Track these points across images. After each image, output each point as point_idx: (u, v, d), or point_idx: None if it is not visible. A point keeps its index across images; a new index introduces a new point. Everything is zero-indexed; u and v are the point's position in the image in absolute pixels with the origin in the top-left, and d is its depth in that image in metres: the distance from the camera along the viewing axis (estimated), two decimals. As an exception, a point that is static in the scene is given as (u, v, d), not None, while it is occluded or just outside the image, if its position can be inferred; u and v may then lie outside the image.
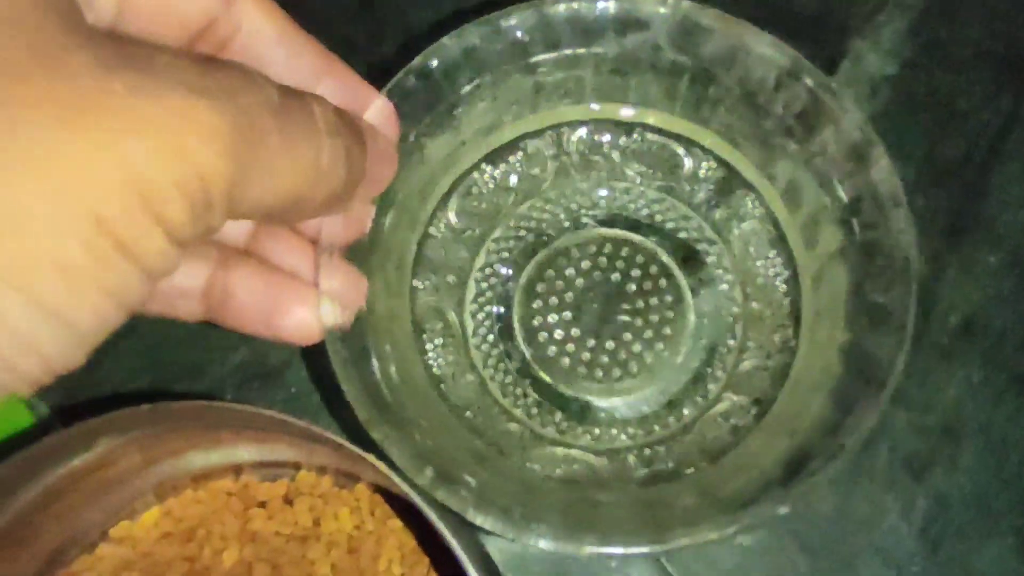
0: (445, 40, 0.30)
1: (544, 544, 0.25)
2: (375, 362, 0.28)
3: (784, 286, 0.32)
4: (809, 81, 0.29)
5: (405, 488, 0.23)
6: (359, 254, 0.29)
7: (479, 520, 0.25)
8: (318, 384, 0.33)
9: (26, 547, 0.26)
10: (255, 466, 0.29)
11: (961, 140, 0.36)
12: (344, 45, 0.37)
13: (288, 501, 0.29)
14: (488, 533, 0.26)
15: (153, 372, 0.34)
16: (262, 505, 0.29)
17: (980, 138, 0.36)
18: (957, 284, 0.35)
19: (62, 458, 0.25)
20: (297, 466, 0.29)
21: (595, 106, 0.33)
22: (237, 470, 0.29)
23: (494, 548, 0.31)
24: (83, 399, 0.33)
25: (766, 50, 0.30)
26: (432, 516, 0.23)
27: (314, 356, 0.34)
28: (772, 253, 0.33)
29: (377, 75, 0.29)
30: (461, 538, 0.23)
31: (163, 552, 0.28)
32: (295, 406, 0.33)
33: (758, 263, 0.33)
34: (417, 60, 0.30)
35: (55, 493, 0.26)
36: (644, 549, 0.25)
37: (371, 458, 0.23)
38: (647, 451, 0.31)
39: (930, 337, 0.34)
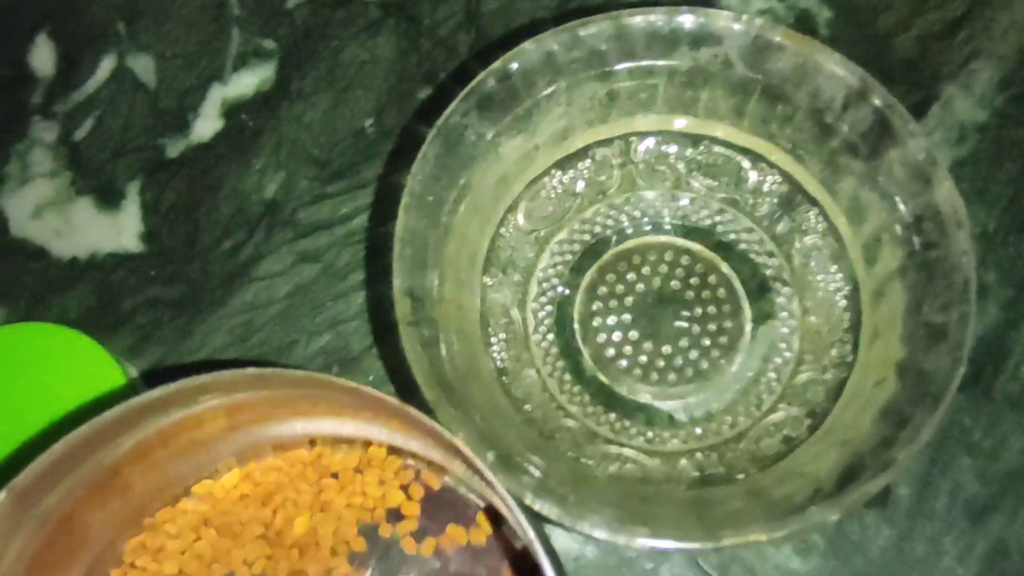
0: (526, 45, 0.31)
1: (598, 533, 0.26)
2: (443, 348, 0.29)
3: (844, 301, 0.33)
4: (877, 101, 0.30)
5: (488, 476, 0.24)
6: (435, 241, 0.30)
7: (537, 506, 0.26)
8: (392, 375, 0.35)
9: (117, 495, 0.28)
10: (329, 440, 0.30)
11: (1046, 192, 0.37)
12: (447, 49, 0.39)
13: (359, 471, 0.30)
14: (546, 521, 0.27)
15: (239, 348, 0.35)
16: (335, 476, 0.30)
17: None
18: (1033, 335, 0.35)
19: (159, 413, 0.26)
20: (367, 444, 0.30)
21: (665, 117, 0.34)
22: (312, 442, 0.30)
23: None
24: (171, 365, 0.35)
25: (835, 69, 0.31)
26: (511, 503, 0.24)
27: (389, 345, 0.35)
28: (833, 268, 0.33)
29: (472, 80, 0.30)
30: (536, 532, 0.24)
31: (240, 513, 0.30)
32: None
33: (819, 277, 0.34)
34: (498, 63, 0.31)
35: (147, 447, 0.27)
36: (695, 545, 0.26)
37: (458, 441, 0.24)
38: (699, 455, 0.32)
39: (1000, 386, 0.34)
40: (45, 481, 0.25)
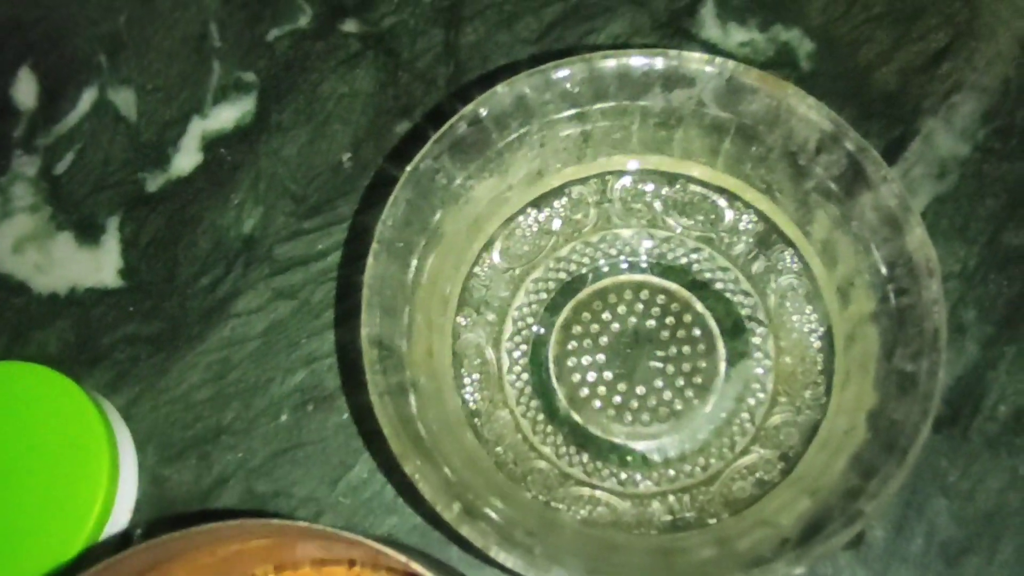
0: (498, 88, 0.31)
1: (562, 585, 0.26)
2: (412, 396, 0.29)
3: (818, 342, 0.33)
4: (850, 146, 0.30)
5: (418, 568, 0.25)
6: (406, 286, 0.30)
7: (501, 557, 0.26)
8: (361, 414, 0.35)
9: None
10: (369, 563, 0.30)
11: (1026, 229, 0.36)
12: (425, 83, 0.39)
13: None
14: (510, 573, 0.27)
15: (216, 385, 0.36)
16: None
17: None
18: (1011, 374, 0.34)
19: (211, 540, 0.28)
20: (406, 572, 0.30)
21: (640, 156, 0.34)
22: (352, 562, 0.31)
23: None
24: (147, 405, 0.35)
25: (808, 113, 0.30)
26: None
27: (359, 386, 0.35)
28: (808, 309, 0.33)
29: (450, 115, 0.31)
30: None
31: (272, 619, 0.30)
32: (347, 432, 0.35)
33: (794, 318, 0.34)
34: (469, 107, 0.31)
35: (196, 555, 0.29)
36: (658, 598, 0.26)
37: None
38: (671, 498, 0.32)
39: (978, 426, 0.34)
40: None
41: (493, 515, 0.28)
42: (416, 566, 0.25)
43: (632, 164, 0.34)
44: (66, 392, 0.33)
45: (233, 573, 0.31)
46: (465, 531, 0.27)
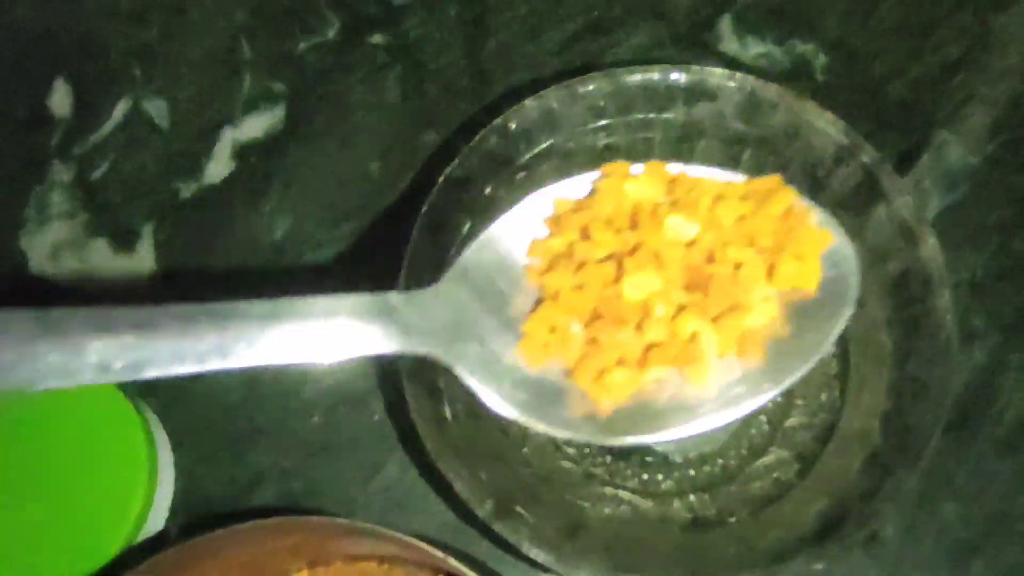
0: (527, 102, 0.33)
1: (590, 581, 0.27)
2: (445, 397, 0.30)
3: (833, 347, 0.34)
4: (865, 159, 0.31)
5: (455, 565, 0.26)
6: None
7: (533, 553, 0.28)
8: (395, 414, 0.36)
9: None
10: (398, 559, 0.31)
11: (1035, 238, 0.37)
12: (450, 94, 0.40)
13: None
14: (539, 567, 0.28)
15: (249, 387, 0.37)
16: None
17: (1054, 239, 0.37)
18: (1019, 380, 0.35)
19: (249, 539, 0.29)
20: (437, 570, 0.31)
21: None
22: (381, 559, 0.32)
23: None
24: (182, 407, 0.37)
25: (826, 127, 0.32)
26: None
27: (391, 387, 0.36)
28: (823, 315, 0.34)
29: (475, 125, 0.32)
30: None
31: (303, 615, 0.31)
32: (378, 432, 0.36)
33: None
34: (498, 120, 0.32)
35: (226, 551, 0.30)
36: (683, 593, 0.27)
37: (459, 565, 0.26)
38: (692, 497, 0.33)
39: (985, 429, 0.35)
40: None
41: (523, 513, 0.29)
42: (453, 561, 0.26)
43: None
44: (105, 394, 0.34)
45: (266, 571, 0.32)
46: (498, 528, 0.28)
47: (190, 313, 0.20)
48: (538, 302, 0.22)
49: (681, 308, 0.21)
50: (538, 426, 0.22)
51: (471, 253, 0.24)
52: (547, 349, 0.21)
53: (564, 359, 0.21)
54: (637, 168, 0.23)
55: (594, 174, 0.26)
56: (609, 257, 0.22)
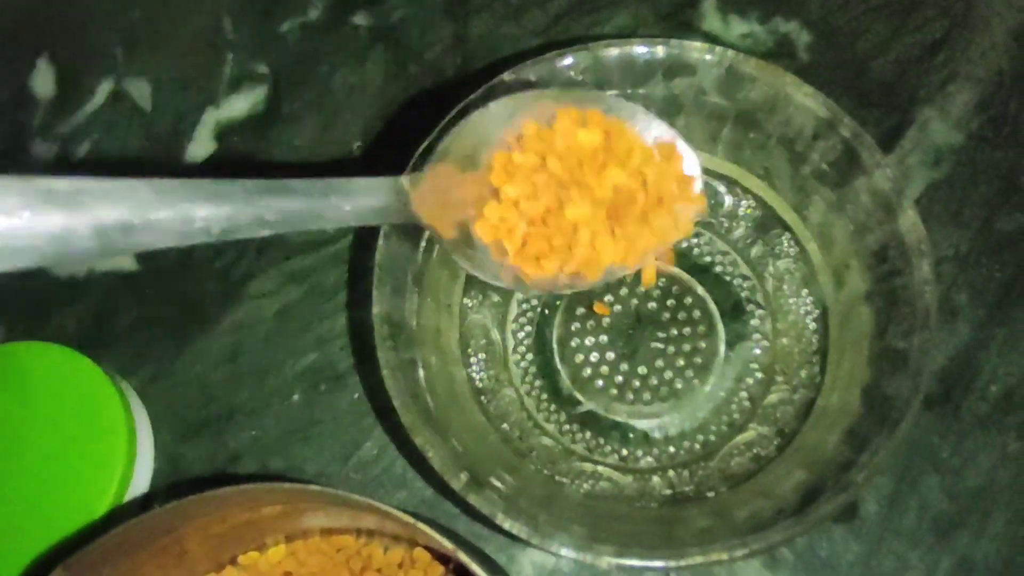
0: (504, 75, 0.32)
1: (566, 552, 0.27)
2: (421, 372, 0.30)
3: (813, 324, 0.34)
4: (845, 132, 0.31)
5: (465, 559, 0.25)
6: (415, 266, 0.31)
7: (507, 525, 0.27)
8: (372, 393, 0.36)
9: (174, 559, 0.30)
10: (375, 533, 0.32)
11: (1019, 215, 0.37)
12: (434, 74, 0.40)
13: (401, 568, 0.31)
14: (515, 539, 0.28)
15: (230, 366, 0.37)
16: (378, 571, 0.31)
17: (1039, 215, 0.37)
18: (1002, 355, 0.35)
19: (221, 504, 0.29)
20: (413, 543, 0.31)
21: (642, 143, 0.35)
22: (358, 532, 0.32)
23: (527, 561, 0.33)
24: (162, 385, 0.37)
25: (805, 100, 0.31)
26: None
27: (371, 365, 0.36)
28: (804, 292, 0.34)
29: (457, 104, 0.32)
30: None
31: (281, 589, 0.31)
32: (358, 411, 0.36)
33: (790, 300, 0.35)
34: (477, 93, 0.32)
35: (207, 524, 0.29)
36: (659, 563, 0.27)
37: (429, 530, 0.26)
38: (671, 473, 0.33)
39: (969, 404, 0.35)
40: (102, 556, 0.27)
41: (499, 485, 0.29)
42: (422, 526, 0.26)
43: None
44: (85, 371, 0.34)
45: (244, 541, 0.32)
46: (472, 500, 0.28)
47: (267, 186, 0.25)
48: (494, 193, 0.28)
49: (597, 232, 0.28)
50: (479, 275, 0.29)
51: (450, 139, 0.29)
52: (495, 231, 0.28)
53: (507, 242, 0.28)
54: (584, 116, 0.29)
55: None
56: (558, 183, 0.28)
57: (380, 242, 0.30)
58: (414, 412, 0.29)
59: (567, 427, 0.34)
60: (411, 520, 0.26)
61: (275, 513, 0.30)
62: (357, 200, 0.27)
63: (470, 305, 0.35)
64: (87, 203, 0.20)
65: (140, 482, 0.34)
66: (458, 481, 0.28)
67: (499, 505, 0.28)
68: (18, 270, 0.19)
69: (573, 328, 0.35)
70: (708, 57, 0.32)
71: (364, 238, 0.38)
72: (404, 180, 0.28)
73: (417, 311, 0.31)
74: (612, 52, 0.32)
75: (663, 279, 0.35)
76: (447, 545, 0.26)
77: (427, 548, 0.31)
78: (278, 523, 0.31)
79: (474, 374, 0.34)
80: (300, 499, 0.29)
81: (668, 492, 0.32)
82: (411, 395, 0.29)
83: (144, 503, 0.35)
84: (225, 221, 0.23)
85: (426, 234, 0.32)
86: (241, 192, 0.24)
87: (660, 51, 0.32)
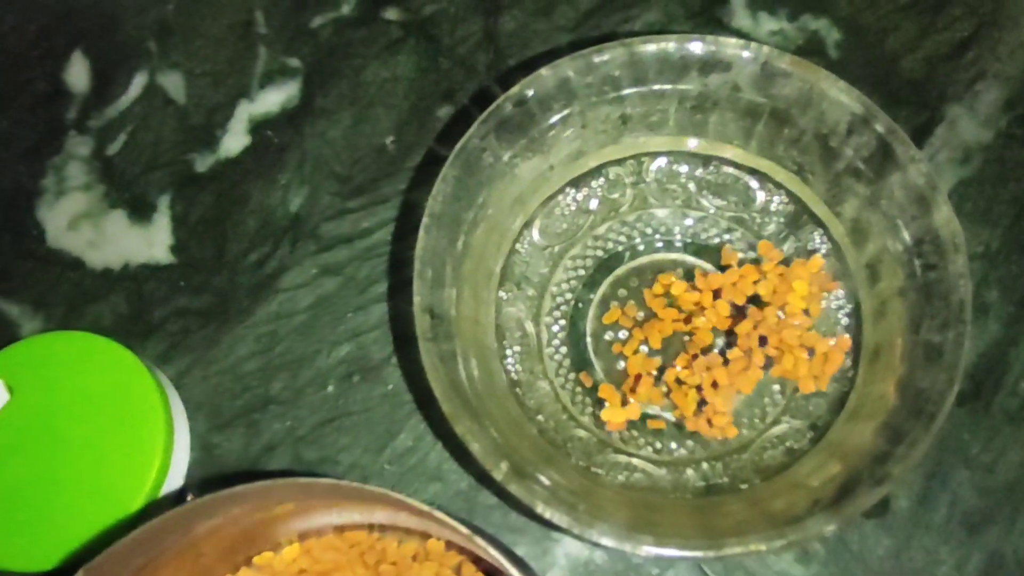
0: (542, 71, 0.33)
1: (606, 541, 0.27)
2: (460, 363, 0.31)
3: (846, 319, 0.34)
4: (879, 128, 0.31)
5: (481, 543, 0.26)
6: (454, 259, 0.32)
7: (548, 514, 0.28)
8: (410, 383, 0.36)
9: (191, 562, 0.30)
10: (388, 528, 0.32)
11: (1048, 213, 0.37)
12: (465, 69, 0.40)
13: (415, 560, 0.31)
14: (556, 529, 0.28)
15: (264, 357, 0.37)
16: (393, 564, 0.31)
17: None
18: (1033, 353, 0.36)
19: (234, 504, 0.29)
20: (426, 535, 0.31)
21: (676, 138, 0.35)
22: (371, 527, 0.32)
23: (560, 553, 0.34)
24: (197, 376, 0.37)
25: (840, 96, 0.32)
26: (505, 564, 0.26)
27: (408, 356, 0.36)
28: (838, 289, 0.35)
29: (490, 99, 0.32)
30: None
31: (296, 587, 0.32)
32: (392, 402, 0.36)
33: (823, 294, 0.35)
34: (515, 88, 0.33)
35: (220, 526, 0.30)
36: (698, 553, 0.27)
37: (445, 517, 0.26)
38: (705, 465, 0.33)
39: (1000, 401, 0.35)
40: (122, 561, 0.28)
41: (538, 476, 0.29)
42: (437, 513, 0.26)
43: (668, 145, 0.36)
44: (123, 360, 0.34)
45: (258, 542, 0.32)
46: (513, 489, 0.28)
47: None
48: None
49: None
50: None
51: None
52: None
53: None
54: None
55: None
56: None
57: (421, 233, 0.31)
58: (455, 402, 0.29)
59: (600, 420, 0.34)
60: (426, 508, 0.26)
61: (287, 512, 0.31)
62: None
63: (505, 298, 0.35)
64: None
65: (177, 472, 0.35)
66: (499, 471, 0.28)
67: (540, 495, 0.28)
68: None
69: (607, 322, 0.35)
70: (744, 54, 0.32)
71: (400, 230, 0.38)
72: None
73: (456, 303, 0.32)
74: (648, 48, 0.33)
75: (696, 273, 0.36)
76: (462, 530, 0.26)
77: (440, 539, 0.31)
78: (291, 523, 0.31)
79: (509, 367, 0.34)
80: (312, 495, 0.29)
81: (702, 484, 0.33)
82: (452, 386, 0.30)
83: (178, 497, 0.35)
84: None
85: (465, 226, 0.32)
86: None
87: (696, 47, 0.33)
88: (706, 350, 0.34)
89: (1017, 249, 0.37)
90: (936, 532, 0.34)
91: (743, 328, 0.34)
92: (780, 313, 0.34)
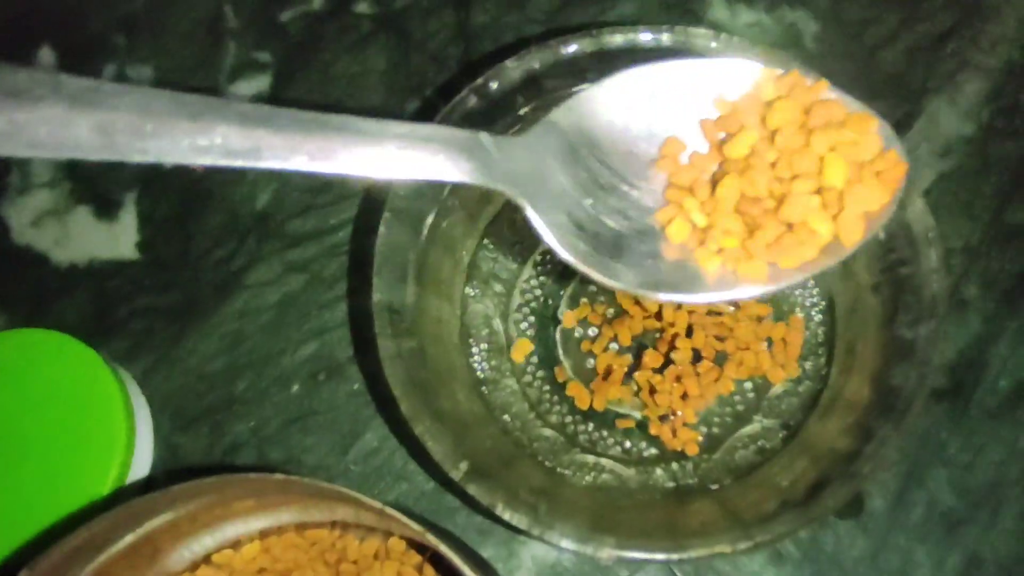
0: (507, 63, 0.32)
1: (566, 543, 0.27)
2: (421, 361, 0.30)
3: (819, 316, 0.33)
4: (853, 119, 0.30)
5: (433, 540, 0.25)
6: (416, 254, 0.31)
7: (507, 515, 0.27)
8: (372, 383, 0.36)
9: (147, 560, 0.30)
10: (350, 526, 0.31)
11: (1030, 207, 0.37)
12: (437, 63, 0.40)
13: (377, 558, 0.31)
14: (516, 532, 0.27)
15: (229, 356, 0.36)
16: (354, 563, 0.31)
17: (1050, 207, 0.37)
18: (1012, 349, 0.35)
19: (190, 499, 0.28)
20: (388, 534, 0.31)
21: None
22: (333, 525, 0.31)
23: (527, 555, 0.33)
24: (162, 375, 0.36)
25: (813, 87, 0.31)
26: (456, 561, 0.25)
27: (372, 355, 0.35)
28: (811, 283, 0.34)
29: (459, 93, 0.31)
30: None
31: (256, 584, 0.31)
32: (358, 401, 0.35)
33: (796, 292, 0.34)
34: (479, 80, 0.32)
35: (177, 522, 0.29)
36: (660, 556, 0.27)
37: (398, 515, 0.26)
38: (674, 465, 0.32)
39: (978, 398, 0.34)
40: (70, 557, 0.27)
41: (499, 475, 0.28)
42: (389, 510, 0.25)
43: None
44: (85, 359, 0.34)
45: (217, 539, 0.31)
46: (472, 490, 0.27)
47: (306, 117, 0.22)
48: (688, 185, 0.26)
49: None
50: (592, 274, 0.25)
51: (560, 113, 0.26)
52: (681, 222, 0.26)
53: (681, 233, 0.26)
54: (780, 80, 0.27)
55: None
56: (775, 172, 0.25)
57: (381, 228, 0.30)
58: (414, 401, 0.28)
59: (568, 419, 0.33)
60: (377, 504, 0.25)
61: (247, 508, 0.30)
62: (418, 148, 0.23)
63: (472, 295, 0.34)
64: (96, 100, 0.19)
65: (139, 471, 0.34)
66: (457, 471, 0.28)
67: (499, 495, 0.27)
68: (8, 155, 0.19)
69: (576, 318, 0.35)
70: (713, 44, 0.32)
71: (364, 228, 0.37)
72: (486, 139, 0.25)
73: (418, 299, 0.31)
74: (617, 39, 0.32)
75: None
76: (414, 527, 0.25)
77: (402, 538, 0.30)
78: (251, 519, 0.31)
79: (476, 364, 0.33)
80: (269, 490, 0.28)
81: (671, 485, 0.32)
82: (411, 384, 0.29)
83: (143, 489, 0.34)
84: (251, 142, 0.21)
85: (428, 220, 0.32)
86: (274, 120, 0.21)
87: (665, 39, 0.32)
88: (673, 350, 0.33)
89: (998, 244, 0.36)
90: (913, 532, 0.33)
91: (698, 340, 0.33)
92: (731, 307, 0.33)
